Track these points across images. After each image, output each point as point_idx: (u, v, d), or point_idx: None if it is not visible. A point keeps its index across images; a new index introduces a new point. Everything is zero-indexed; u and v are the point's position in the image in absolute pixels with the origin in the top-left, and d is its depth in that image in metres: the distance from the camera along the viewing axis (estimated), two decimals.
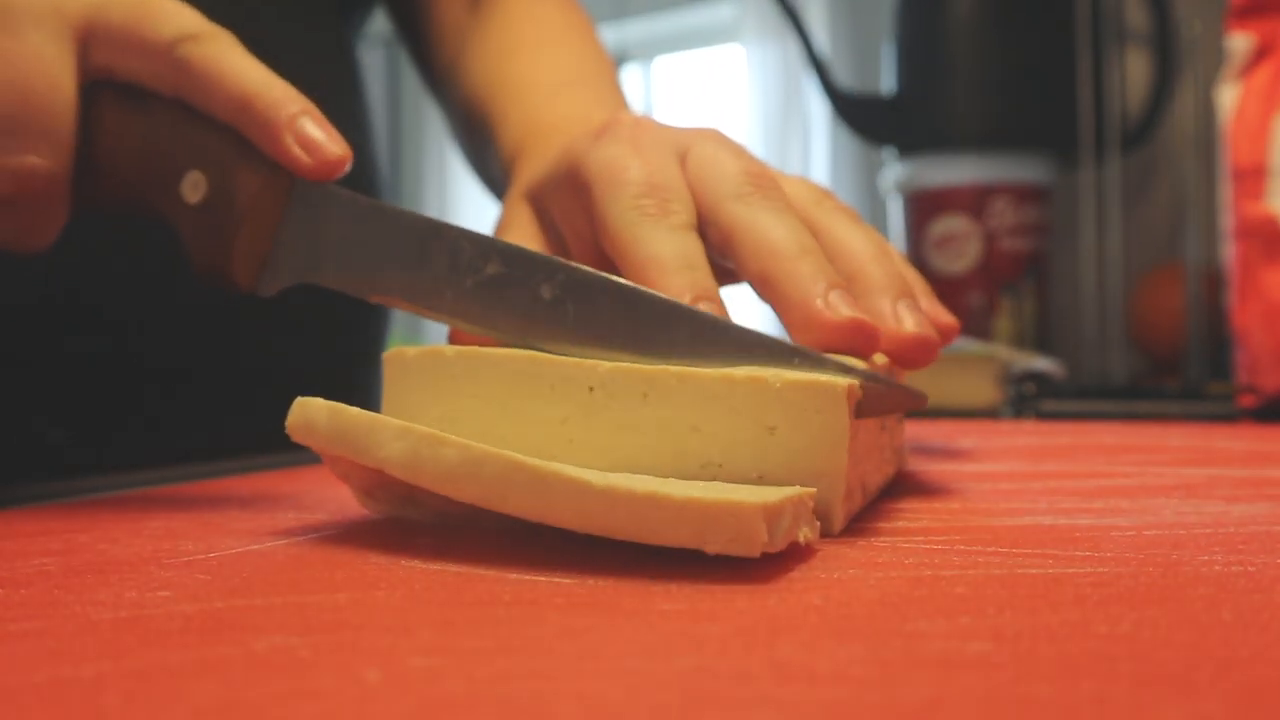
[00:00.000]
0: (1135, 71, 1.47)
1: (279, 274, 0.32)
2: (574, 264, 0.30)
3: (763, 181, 0.33)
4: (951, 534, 0.25)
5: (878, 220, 1.75)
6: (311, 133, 0.31)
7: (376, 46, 3.04)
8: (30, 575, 0.22)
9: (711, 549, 0.21)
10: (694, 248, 0.31)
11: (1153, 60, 1.43)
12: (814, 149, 2.38)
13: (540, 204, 0.37)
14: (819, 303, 0.28)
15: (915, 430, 0.48)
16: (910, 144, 1.45)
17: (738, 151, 0.34)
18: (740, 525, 0.21)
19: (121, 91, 0.33)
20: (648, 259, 0.30)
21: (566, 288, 0.29)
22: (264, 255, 0.32)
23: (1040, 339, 1.40)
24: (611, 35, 2.70)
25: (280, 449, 0.27)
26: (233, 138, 0.32)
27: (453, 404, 0.28)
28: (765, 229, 0.31)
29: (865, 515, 0.28)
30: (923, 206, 1.46)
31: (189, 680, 0.15)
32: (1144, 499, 0.29)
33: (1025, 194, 1.42)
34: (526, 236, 0.36)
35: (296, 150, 0.31)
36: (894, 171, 1.49)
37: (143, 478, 0.39)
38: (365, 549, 0.24)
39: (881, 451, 0.30)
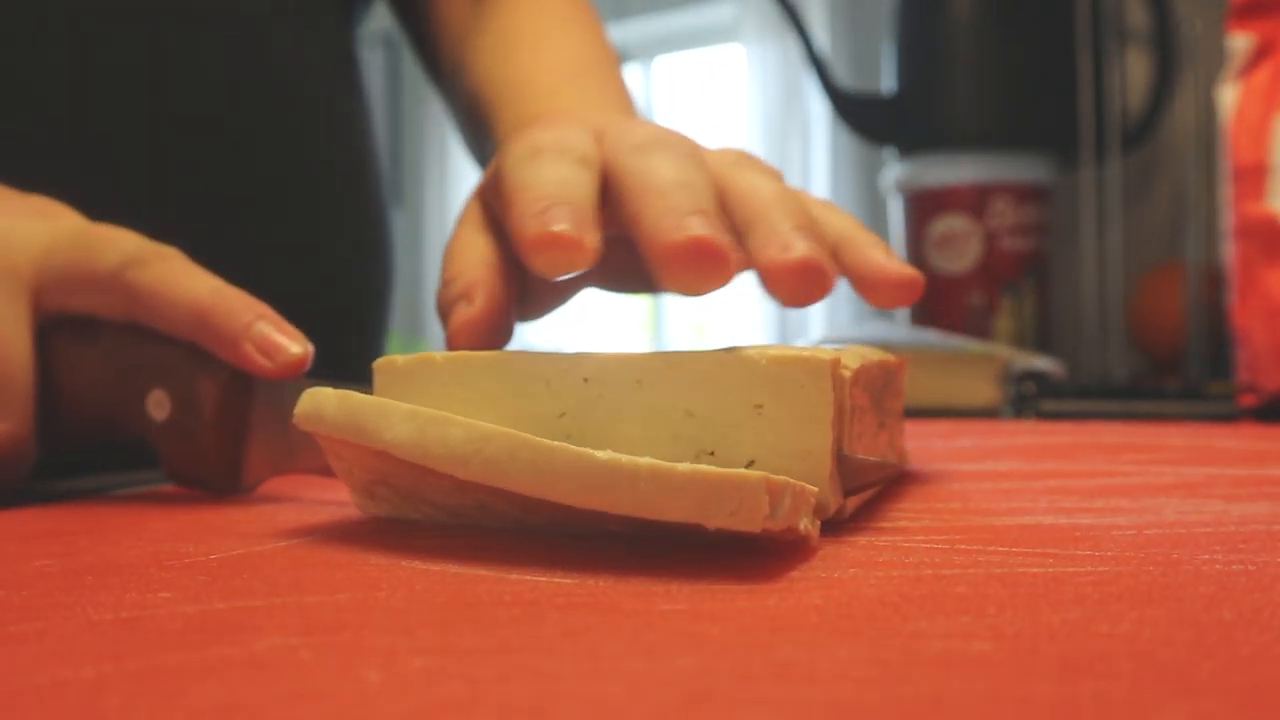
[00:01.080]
0: (1135, 71, 1.47)
1: (255, 471, 0.33)
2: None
3: (668, 138, 0.32)
4: (952, 533, 0.25)
5: (878, 220, 1.75)
6: (271, 337, 0.32)
7: (376, 46, 3.04)
8: (31, 577, 0.22)
9: (713, 523, 0.21)
10: (575, 174, 0.30)
11: (1153, 59, 1.43)
12: (814, 149, 2.38)
13: (486, 200, 0.37)
14: (668, 223, 0.27)
15: (915, 429, 0.48)
16: (910, 143, 1.45)
17: (657, 129, 0.34)
18: (743, 497, 0.21)
19: (74, 324, 0.33)
20: (518, 182, 0.30)
21: None
22: (238, 456, 0.33)
23: (1040, 339, 1.40)
24: (611, 35, 2.70)
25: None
26: (189, 350, 0.33)
27: (446, 408, 0.28)
28: (651, 169, 0.30)
29: (865, 514, 0.28)
30: (923, 206, 1.46)
31: (190, 681, 0.15)
32: (1144, 498, 0.29)
33: (1025, 193, 1.42)
34: (473, 230, 0.36)
35: (257, 357, 0.32)
36: (894, 171, 1.49)
37: (142, 479, 0.39)
38: (365, 550, 0.24)
39: (879, 450, 0.30)
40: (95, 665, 0.16)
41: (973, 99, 1.42)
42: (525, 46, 0.53)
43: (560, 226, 0.27)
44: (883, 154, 1.59)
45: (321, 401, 0.26)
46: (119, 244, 0.33)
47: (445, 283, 0.34)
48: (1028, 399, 0.66)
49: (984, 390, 0.69)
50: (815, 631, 0.17)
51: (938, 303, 1.44)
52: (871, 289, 0.32)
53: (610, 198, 0.31)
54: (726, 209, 0.31)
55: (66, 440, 0.35)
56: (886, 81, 1.52)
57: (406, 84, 3.20)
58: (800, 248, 0.28)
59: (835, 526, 0.26)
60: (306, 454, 0.33)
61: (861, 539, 0.25)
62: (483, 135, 0.52)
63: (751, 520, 0.21)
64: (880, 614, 0.18)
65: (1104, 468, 0.36)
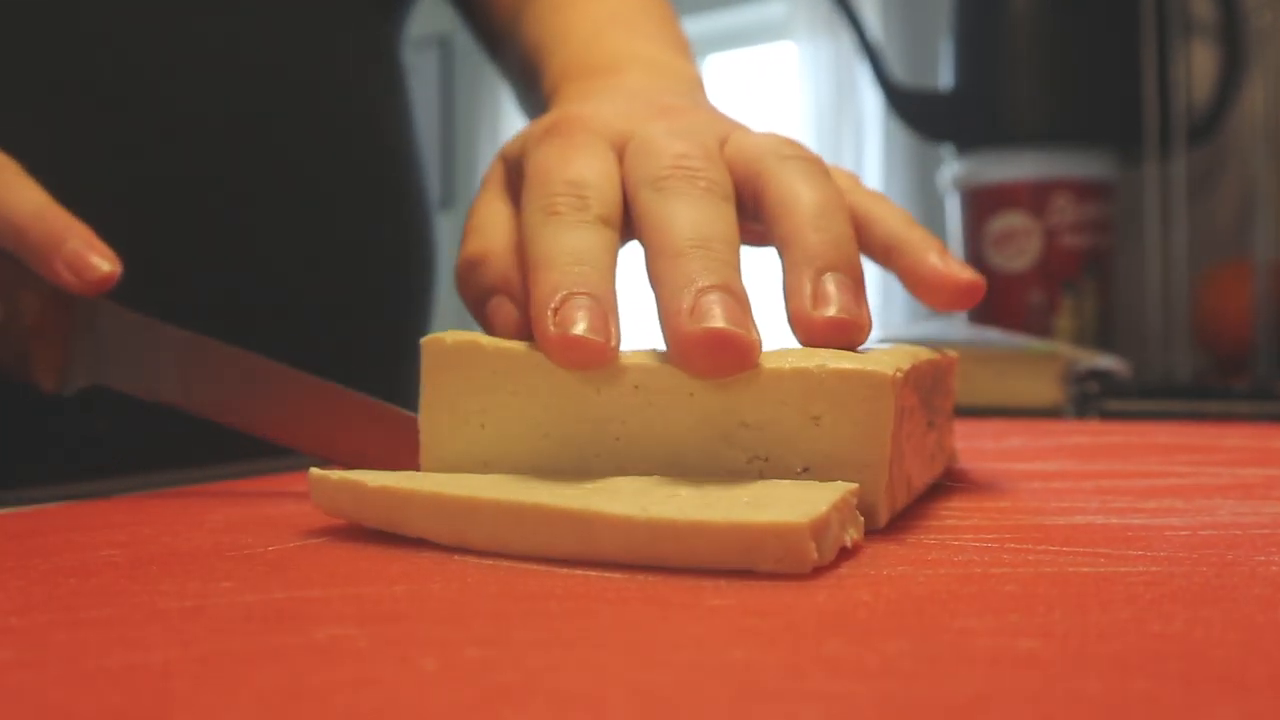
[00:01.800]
0: (1202, 63, 1.44)
1: (74, 377, 0.36)
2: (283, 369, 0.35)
3: (690, 164, 0.31)
4: (1001, 532, 0.25)
5: (934, 217, 1.73)
6: (82, 254, 0.34)
7: (430, 47, 3.07)
8: (99, 566, 0.23)
9: (762, 569, 0.21)
10: (592, 244, 0.29)
11: (1220, 51, 1.40)
12: (867, 146, 2.36)
13: (510, 169, 0.36)
14: (685, 305, 0.26)
15: (966, 429, 0.48)
16: (968, 139, 1.43)
17: (686, 129, 0.33)
18: (788, 546, 0.21)
19: None
20: (537, 257, 0.29)
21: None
22: (60, 362, 0.36)
23: (1102, 337, 1.37)
24: None
25: None
26: (15, 263, 0.35)
27: (493, 398, 0.28)
28: (666, 220, 0.29)
29: (914, 513, 0.27)
30: (981, 203, 1.44)
31: (253, 667, 0.16)
32: (1199, 499, 0.29)
33: (1087, 190, 1.40)
34: (499, 199, 0.36)
35: (66, 272, 0.34)
36: (951, 168, 1.47)
37: (203, 474, 0.40)
38: (419, 544, 0.25)
39: (928, 449, 0.30)
40: (163, 650, 0.17)
41: (1033, 93, 1.40)
42: (573, 3, 0.52)
43: (579, 329, 0.26)
44: (939, 151, 1.57)
45: (335, 492, 0.26)
46: None
47: (472, 259, 0.34)
48: (1091, 398, 0.65)
49: (1046, 389, 0.68)
50: (864, 627, 0.17)
51: (997, 301, 1.43)
52: (928, 294, 0.31)
53: (635, 232, 0.31)
54: (762, 216, 0.31)
55: None
56: (943, 76, 1.50)
57: (459, 86, 3.23)
58: (832, 307, 0.28)
59: (885, 525, 0.26)
60: (116, 371, 0.36)
61: (910, 537, 0.25)
62: (533, 89, 0.51)
63: (800, 564, 0.21)
64: (929, 611, 0.18)
65: (1158, 468, 0.35)
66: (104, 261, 0.34)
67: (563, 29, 0.50)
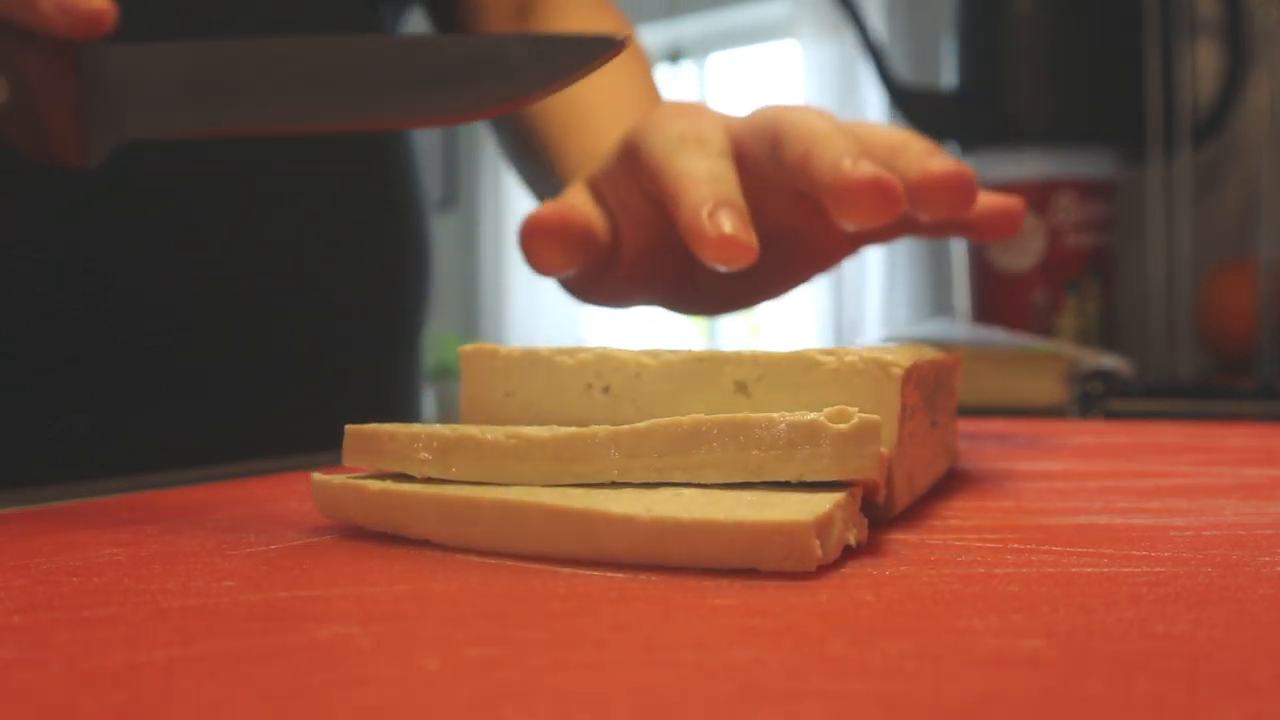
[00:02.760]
0: (1206, 62, 1.44)
1: (97, 143, 0.34)
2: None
3: (821, 127, 0.35)
4: (1004, 532, 0.25)
5: None
6: None
7: None
8: (102, 565, 0.23)
9: (767, 568, 0.21)
10: (724, 169, 0.34)
11: (1224, 50, 1.40)
12: None
13: (598, 189, 0.39)
14: (847, 162, 0.31)
15: (969, 428, 0.48)
16: (972, 139, 1.43)
17: (804, 109, 0.37)
18: (793, 544, 0.21)
19: None
20: (680, 173, 0.34)
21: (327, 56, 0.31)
22: (78, 129, 0.33)
23: (1105, 337, 1.37)
24: (666, 32, 2.70)
25: (336, 444, 0.28)
26: (16, 33, 0.33)
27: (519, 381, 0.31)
28: (808, 123, 0.34)
29: (917, 512, 0.27)
30: None
31: (255, 666, 0.16)
32: (1203, 499, 0.29)
33: (1091, 189, 1.40)
34: (582, 198, 0.39)
35: (56, 16, 0.32)
36: None
37: (205, 474, 0.40)
38: (422, 543, 0.25)
39: (931, 448, 0.30)
40: (165, 649, 0.17)
41: (1036, 92, 1.40)
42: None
43: (730, 228, 0.32)
44: (943, 149, 1.57)
45: (337, 496, 0.26)
46: None
47: (576, 216, 0.37)
48: (1094, 398, 0.65)
49: (1050, 389, 0.68)
50: (866, 627, 0.17)
51: (1000, 300, 1.42)
52: (920, 194, 0.34)
53: (766, 147, 0.35)
54: (780, 156, 0.34)
55: None
56: (947, 75, 1.50)
57: None
58: (867, 167, 0.32)
59: (888, 523, 0.26)
60: (137, 113, 0.33)
61: (913, 537, 0.25)
62: (539, 164, 0.53)
63: (805, 562, 0.21)
64: (932, 611, 0.18)
65: (1162, 468, 0.35)
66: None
67: (572, 113, 0.52)
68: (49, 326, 0.46)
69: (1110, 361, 0.70)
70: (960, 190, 0.33)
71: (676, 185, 0.33)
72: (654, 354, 0.29)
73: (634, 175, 0.37)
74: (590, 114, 0.51)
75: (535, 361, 0.30)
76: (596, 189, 0.39)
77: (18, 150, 0.34)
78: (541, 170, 0.54)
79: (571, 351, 0.30)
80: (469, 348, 0.31)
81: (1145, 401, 0.65)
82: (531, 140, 0.54)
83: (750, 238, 0.32)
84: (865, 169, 0.31)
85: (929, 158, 0.34)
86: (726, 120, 0.37)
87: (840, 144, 0.32)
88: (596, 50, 0.29)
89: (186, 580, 0.21)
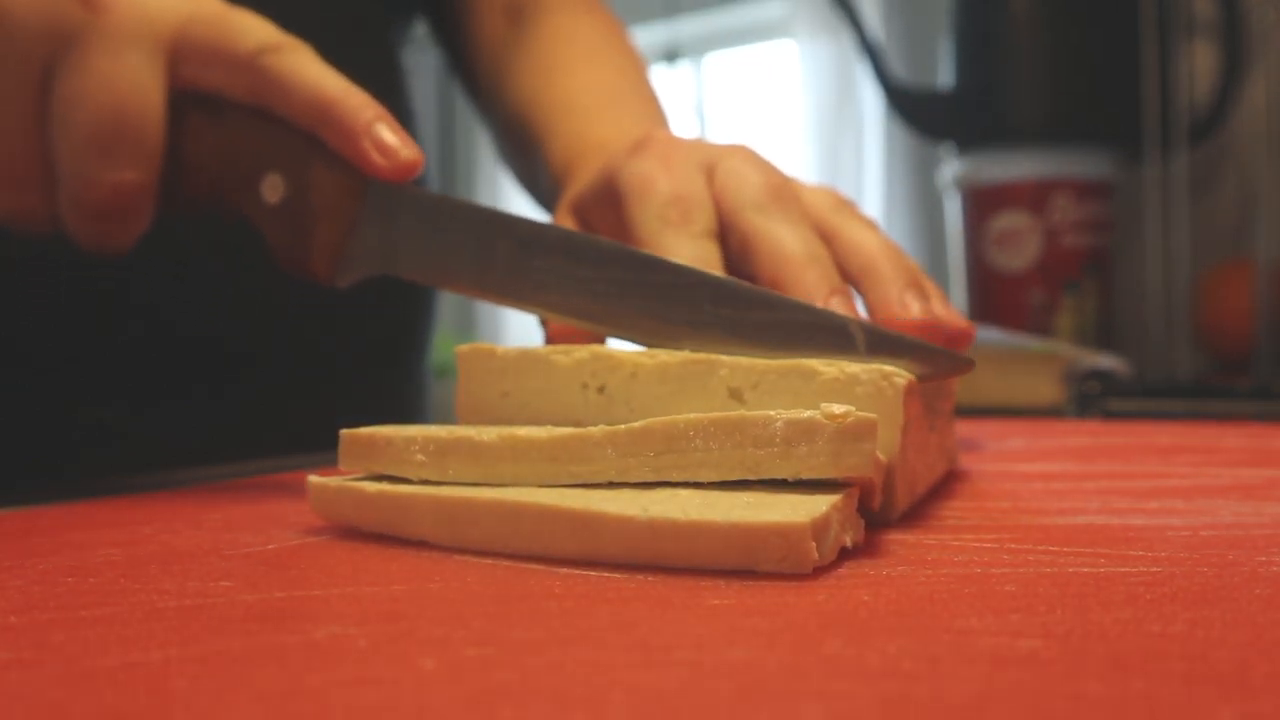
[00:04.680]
0: (1203, 62, 1.44)
1: (355, 266, 0.34)
2: (614, 244, 0.32)
3: (782, 194, 0.35)
4: (1002, 532, 0.25)
5: (935, 217, 1.73)
6: (387, 138, 0.33)
7: (429, 49, 3.07)
8: (98, 565, 0.23)
9: (764, 569, 0.21)
10: (709, 252, 0.33)
11: (1221, 50, 1.40)
12: (867, 145, 2.36)
13: (583, 215, 0.39)
14: (819, 306, 0.30)
15: (966, 429, 0.48)
16: (969, 139, 1.43)
17: (763, 166, 0.36)
18: (789, 546, 0.21)
19: (203, 100, 0.34)
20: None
21: (612, 266, 0.31)
22: (341, 250, 0.34)
23: (1103, 337, 1.37)
24: (663, 32, 2.70)
25: (333, 443, 0.28)
26: (309, 141, 0.34)
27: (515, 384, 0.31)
28: (779, 237, 0.33)
29: (915, 513, 0.27)
30: (981, 202, 1.44)
31: (252, 666, 0.16)
32: (1200, 499, 0.29)
33: (1087, 189, 1.40)
34: None
35: (374, 154, 0.33)
36: (952, 167, 1.47)
37: (204, 474, 0.40)
38: (419, 543, 0.25)
39: (930, 449, 0.30)
40: (162, 649, 0.17)
41: (1033, 92, 1.40)
42: (563, 70, 0.54)
43: None
44: (939, 150, 1.57)
45: (334, 499, 0.26)
46: (256, 30, 0.34)
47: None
48: (1092, 398, 0.65)
49: (1047, 389, 0.68)
50: (864, 627, 0.17)
51: (997, 300, 1.42)
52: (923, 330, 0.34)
53: (735, 250, 0.34)
54: (835, 257, 0.34)
55: (181, 207, 0.36)
56: (944, 75, 1.50)
57: (459, 87, 3.23)
58: (915, 309, 0.32)
59: (885, 525, 0.26)
60: (408, 259, 0.34)
61: (911, 537, 0.25)
62: (528, 157, 0.53)
63: (801, 564, 0.21)
64: (929, 611, 0.18)
65: (1159, 469, 0.35)
66: (407, 147, 0.33)
67: (559, 104, 0.52)
68: (48, 326, 0.46)
69: (1107, 361, 0.70)
70: (963, 342, 0.33)
71: None
72: (650, 354, 0.29)
73: (616, 216, 0.36)
74: (577, 109, 0.51)
75: (532, 361, 0.30)
76: (581, 214, 0.39)
77: (271, 250, 0.35)
78: (529, 166, 0.54)
79: (567, 350, 0.30)
80: (465, 348, 0.31)
81: (1142, 401, 0.65)
82: (520, 134, 0.54)
83: None
84: (916, 310, 0.32)
85: (906, 292, 0.33)
86: (708, 166, 0.36)
87: (811, 277, 0.32)
88: (941, 364, 0.27)
89: (183, 581, 0.21)
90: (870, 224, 0.36)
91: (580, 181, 0.41)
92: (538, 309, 0.32)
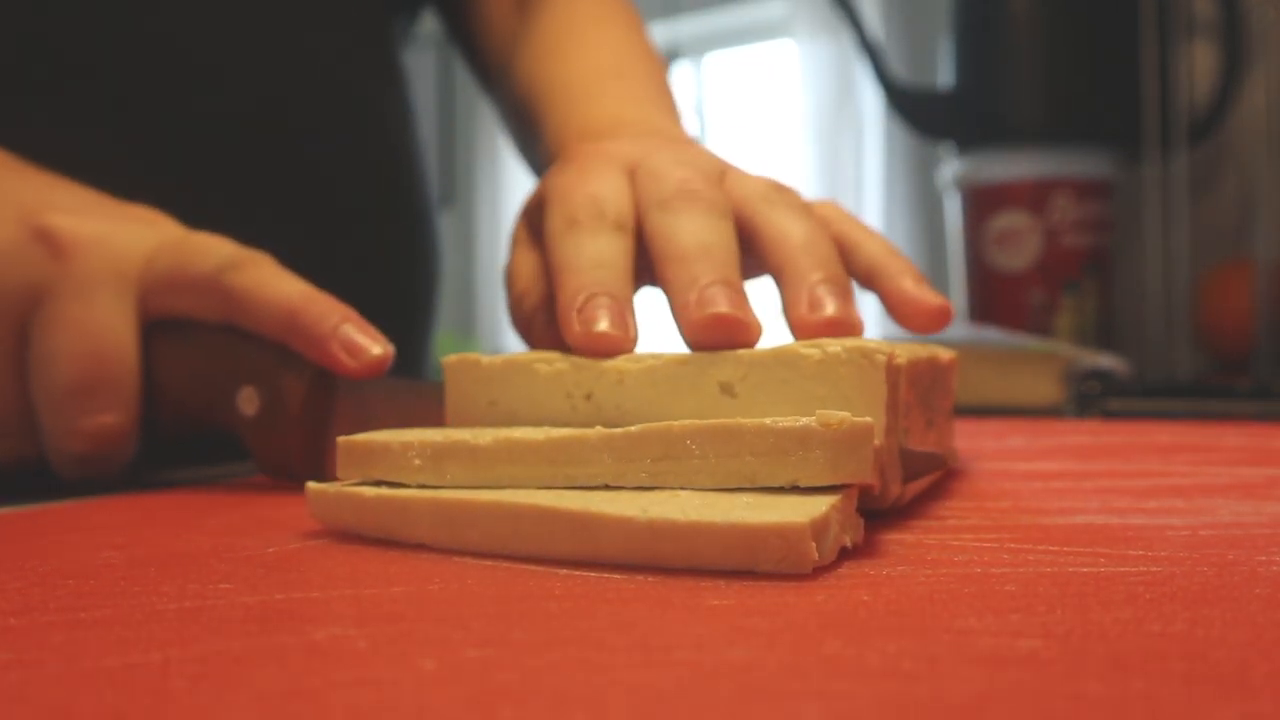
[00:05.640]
0: (1202, 62, 1.44)
1: (334, 462, 0.35)
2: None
3: (693, 187, 0.34)
4: (1001, 532, 0.25)
5: (934, 216, 1.73)
6: (355, 338, 0.34)
7: (428, 49, 3.07)
8: (97, 567, 0.23)
9: (763, 569, 0.21)
10: (611, 249, 0.32)
11: (1221, 50, 1.40)
12: (867, 145, 2.36)
13: (531, 221, 0.39)
14: (692, 297, 0.30)
15: (966, 428, 0.48)
16: (969, 138, 1.43)
17: (689, 160, 0.36)
18: (789, 546, 0.21)
19: (173, 325, 0.36)
20: (561, 263, 0.32)
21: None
22: (323, 448, 0.35)
23: (1103, 337, 1.37)
24: (663, 32, 2.70)
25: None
26: (278, 350, 0.35)
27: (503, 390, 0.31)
28: (673, 233, 0.32)
29: (913, 513, 0.27)
30: (981, 202, 1.44)
31: (251, 668, 0.16)
32: (1199, 499, 0.29)
33: (1087, 189, 1.40)
34: (527, 250, 0.38)
35: (343, 356, 0.34)
36: (951, 167, 1.47)
37: (203, 475, 0.40)
38: (418, 546, 0.25)
39: (928, 446, 0.30)
40: (162, 650, 0.17)
41: (1033, 92, 1.40)
42: (566, 49, 0.54)
43: (601, 326, 0.30)
44: (939, 150, 1.57)
45: (333, 504, 0.26)
46: (216, 250, 0.35)
47: (517, 298, 0.37)
48: (1091, 398, 0.65)
49: (1047, 389, 0.68)
50: (864, 627, 0.17)
51: (997, 300, 1.42)
52: (903, 317, 0.34)
53: (647, 249, 0.33)
54: (756, 251, 0.34)
55: (164, 432, 0.37)
56: (943, 75, 1.50)
57: (458, 86, 3.23)
58: (829, 308, 0.31)
59: (885, 523, 0.26)
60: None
61: (910, 537, 0.25)
62: (531, 139, 0.53)
63: (801, 564, 0.21)
64: (929, 611, 0.18)
65: (1158, 468, 0.35)
66: (375, 344, 0.34)
67: (559, 84, 0.52)
68: None
69: (1107, 361, 0.70)
70: (939, 319, 0.33)
71: (558, 275, 0.32)
72: (636, 358, 0.29)
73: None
74: (571, 93, 0.51)
75: (515, 370, 0.30)
76: (530, 221, 0.39)
77: (256, 459, 0.35)
78: (533, 152, 0.54)
79: (549, 360, 0.30)
80: (452, 359, 0.31)
81: (1142, 401, 0.65)
82: (523, 120, 0.54)
83: (623, 328, 0.30)
84: (706, 310, 0.29)
85: (908, 279, 0.34)
86: (628, 164, 0.36)
87: (695, 271, 0.31)
88: (929, 466, 0.28)
89: (183, 583, 0.21)
90: (803, 210, 0.35)
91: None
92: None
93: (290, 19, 0.53)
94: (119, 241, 0.35)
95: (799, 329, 0.31)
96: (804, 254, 0.32)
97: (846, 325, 0.31)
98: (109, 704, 0.14)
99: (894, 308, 0.34)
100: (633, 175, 0.35)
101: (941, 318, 0.33)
